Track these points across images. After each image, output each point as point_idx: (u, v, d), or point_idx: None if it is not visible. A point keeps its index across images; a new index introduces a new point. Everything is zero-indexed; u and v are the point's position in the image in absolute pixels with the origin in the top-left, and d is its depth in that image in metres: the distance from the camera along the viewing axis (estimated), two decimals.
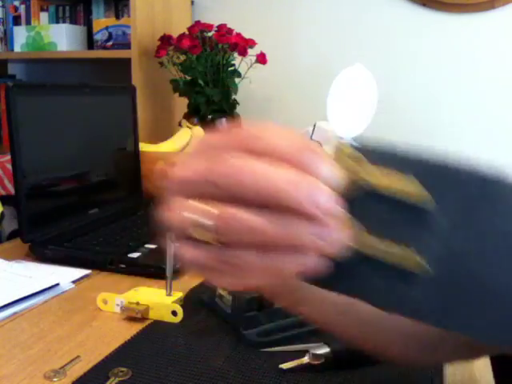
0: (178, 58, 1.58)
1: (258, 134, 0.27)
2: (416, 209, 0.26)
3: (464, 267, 0.26)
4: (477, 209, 0.27)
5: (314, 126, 0.95)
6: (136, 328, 0.66)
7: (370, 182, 0.27)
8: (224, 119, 1.57)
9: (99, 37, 1.79)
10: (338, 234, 0.25)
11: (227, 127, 0.27)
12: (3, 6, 1.97)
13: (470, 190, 0.27)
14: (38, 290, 0.76)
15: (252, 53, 1.56)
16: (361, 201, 0.27)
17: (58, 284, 0.79)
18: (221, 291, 0.69)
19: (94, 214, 1.09)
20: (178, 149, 1.38)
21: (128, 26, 1.68)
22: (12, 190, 1.70)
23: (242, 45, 1.53)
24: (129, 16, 1.67)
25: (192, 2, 1.91)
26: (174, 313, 0.68)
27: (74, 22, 1.88)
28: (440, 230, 0.26)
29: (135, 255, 0.88)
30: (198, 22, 1.57)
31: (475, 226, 0.26)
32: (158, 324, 0.67)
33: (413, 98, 1.74)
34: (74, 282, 0.82)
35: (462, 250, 0.26)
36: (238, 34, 1.56)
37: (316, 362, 0.56)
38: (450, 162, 0.30)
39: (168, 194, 0.28)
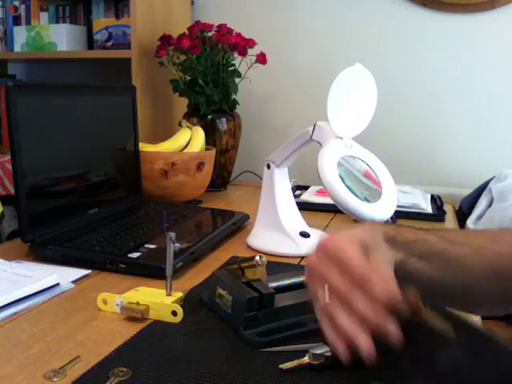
0: (178, 58, 1.58)
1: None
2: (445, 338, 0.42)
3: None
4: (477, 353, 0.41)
5: (314, 126, 0.95)
6: (136, 328, 0.66)
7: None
8: (224, 119, 1.57)
9: (99, 37, 1.79)
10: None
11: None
12: (3, 6, 1.97)
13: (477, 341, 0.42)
14: (37, 290, 0.76)
15: (252, 53, 1.56)
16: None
17: (57, 284, 0.79)
18: (221, 291, 0.69)
19: (94, 214, 1.09)
20: (177, 149, 1.39)
21: (128, 26, 1.68)
22: (12, 190, 1.70)
23: (242, 45, 1.53)
24: (129, 16, 1.67)
25: (192, 2, 1.91)
26: (174, 313, 0.68)
27: (74, 22, 1.88)
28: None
29: (135, 255, 0.88)
30: (197, 22, 1.57)
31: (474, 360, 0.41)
32: (157, 324, 0.67)
33: (413, 97, 1.74)
34: (73, 282, 0.82)
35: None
36: (238, 34, 1.56)
37: (316, 362, 0.56)
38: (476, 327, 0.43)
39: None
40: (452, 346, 0.41)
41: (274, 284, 0.70)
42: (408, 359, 0.45)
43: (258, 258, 0.65)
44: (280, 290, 0.70)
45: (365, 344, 0.42)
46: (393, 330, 0.42)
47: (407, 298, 0.43)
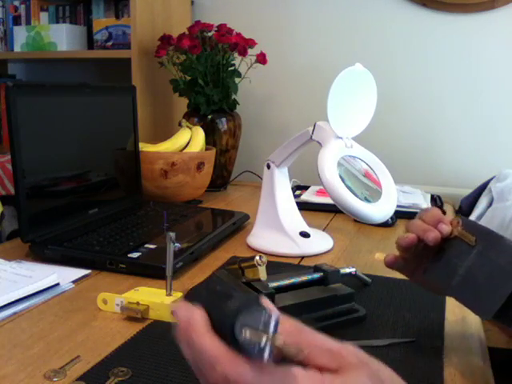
0: (178, 58, 1.58)
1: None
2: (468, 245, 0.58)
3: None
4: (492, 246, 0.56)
5: (314, 126, 0.95)
6: (136, 328, 0.66)
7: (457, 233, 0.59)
8: (224, 119, 1.57)
9: (99, 37, 1.79)
10: None
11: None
12: (3, 6, 1.97)
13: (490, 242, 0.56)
14: (37, 290, 0.76)
15: (252, 53, 1.56)
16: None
17: (57, 284, 0.79)
18: None
19: (94, 214, 1.09)
20: (177, 149, 1.39)
21: (128, 26, 1.68)
22: (12, 190, 1.70)
23: (242, 45, 1.53)
24: (129, 16, 1.67)
25: (192, 2, 1.91)
26: None
27: (74, 21, 1.88)
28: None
29: (135, 255, 0.88)
30: (198, 22, 1.57)
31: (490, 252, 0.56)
32: (157, 324, 0.67)
33: (413, 97, 1.74)
34: (73, 282, 0.82)
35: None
36: (238, 34, 1.56)
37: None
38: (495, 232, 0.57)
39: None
40: (471, 248, 0.55)
41: (274, 284, 0.70)
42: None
43: (258, 257, 0.65)
44: (280, 289, 0.70)
45: None
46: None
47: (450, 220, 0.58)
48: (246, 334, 0.32)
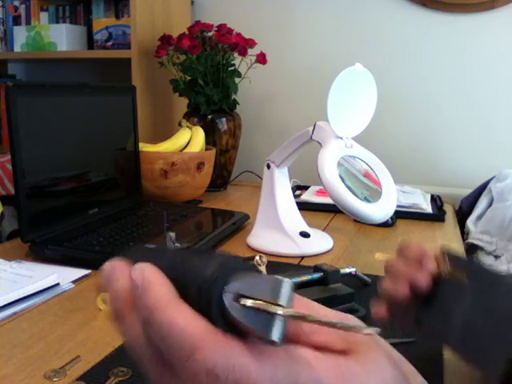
0: (178, 58, 1.58)
1: None
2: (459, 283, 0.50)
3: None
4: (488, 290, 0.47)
5: (314, 126, 0.95)
6: None
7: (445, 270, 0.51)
8: (224, 119, 1.57)
9: (99, 37, 1.79)
10: None
11: None
12: (3, 6, 1.97)
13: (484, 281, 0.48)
14: (37, 290, 0.76)
15: (252, 53, 1.56)
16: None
17: (58, 284, 0.79)
18: None
19: (94, 214, 1.09)
20: (177, 149, 1.39)
21: (128, 26, 1.68)
22: (12, 190, 1.70)
23: (242, 45, 1.53)
24: (129, 16, 1.67)
25: (192, 2, 1.91)
26: None
27: (74, 22, 1.88)
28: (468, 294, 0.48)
29: None
30: (198, 22, 1.57)
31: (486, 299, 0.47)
32: None
33: (413, 97, 1.74)
34: (73, 281, 0.82)
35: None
36: (238, 34, 1.56)
37: None
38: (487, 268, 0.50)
39: None
40: (464, 289, 0.48)
41: None
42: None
43: (258, 257, 0.65)
44: None
45: None
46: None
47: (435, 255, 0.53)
48: (246, 305, 0.22)
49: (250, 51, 1.55)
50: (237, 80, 1.59)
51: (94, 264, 0.87)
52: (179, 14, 1.83)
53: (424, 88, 1.73)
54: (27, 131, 0.92)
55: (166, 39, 1.55)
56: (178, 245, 0.72)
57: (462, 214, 1.46)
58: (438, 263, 0.51)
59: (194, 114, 1.56)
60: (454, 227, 1.29)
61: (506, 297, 0.44)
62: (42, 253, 0.91)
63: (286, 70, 1.84)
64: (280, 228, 1.02)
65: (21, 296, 0.73)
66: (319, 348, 0.25)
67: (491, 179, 1.46)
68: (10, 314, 0.70)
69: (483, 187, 1.47)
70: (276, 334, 0.22)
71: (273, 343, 0.22)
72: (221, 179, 1.60)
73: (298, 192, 1.47)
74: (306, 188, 1.52)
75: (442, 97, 1.72)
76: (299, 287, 0.72)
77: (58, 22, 1.89)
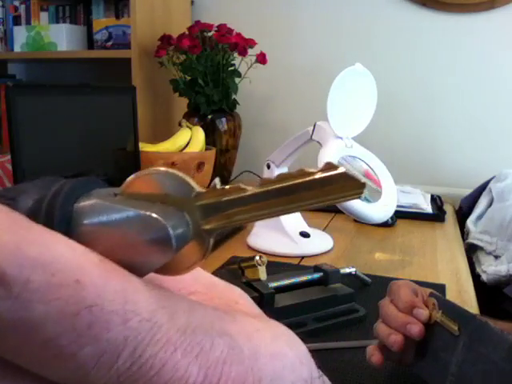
0: (178, 58, 1.58)
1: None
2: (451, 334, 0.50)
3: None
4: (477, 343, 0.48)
5: (314, 125, 0.95)
6: None
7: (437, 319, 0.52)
8: (224, 119, 1.57)
9: (99, 37, 1.79)
10: None
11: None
12: (3, 6, 1.97)
13: (475, 331, 0.48)
14: None
15: (252, 53, 1.56)
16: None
17: None
18: None
19: None
20: (177, 149, 1.39)
21: (128, 26, 1.68)
22: None
23: (242, 45, 1.53)
24: (129, 16, 1.67)
25: (192, 2, 1.91)
26: None
27: (74, 22, 1.88)
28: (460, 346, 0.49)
29: None
30: (198, 22, 1.57)
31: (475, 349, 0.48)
32: None
33: (412, 97, 1.74)
34: None
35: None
36: (238, 34, 1.56)
37: None
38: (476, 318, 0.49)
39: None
40: (456, 340, 0.49)
41: (274, 284, 0.70)
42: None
43: (257, 257, 0.65)
44: (280, 289, 0.70)
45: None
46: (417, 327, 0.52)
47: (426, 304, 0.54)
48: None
49: (249, 51, 1.56)
50: (237, 80, 1.59)
51: None
52: (179, 14, 1.83)
53: (424, 88, 1.73)
54: (27, 131, 0.92)
55: (165, 39, 1.55)
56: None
57: (462, 214, 1.46)
58: (428, 310, 0.53)
59: (194, 114, 1.56)
60: (453, 227, 1.29)
61: (495, 349, 0.45)
62: None
63: (286, 70, 1.85)
64: (280, 228, 1.02)
65: None
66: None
67: (491, 179, 1.46)
68: None
69: (483, 187, 1.47)
70: (173, 240, 0.17)
71: (171, 248, 0.17)
72: (221, 179, 1.60)
73: None
74: None
75: (442, 96, 1.72)
76: (299, 287, 0.72)
77: (57, 22, 1.89)
